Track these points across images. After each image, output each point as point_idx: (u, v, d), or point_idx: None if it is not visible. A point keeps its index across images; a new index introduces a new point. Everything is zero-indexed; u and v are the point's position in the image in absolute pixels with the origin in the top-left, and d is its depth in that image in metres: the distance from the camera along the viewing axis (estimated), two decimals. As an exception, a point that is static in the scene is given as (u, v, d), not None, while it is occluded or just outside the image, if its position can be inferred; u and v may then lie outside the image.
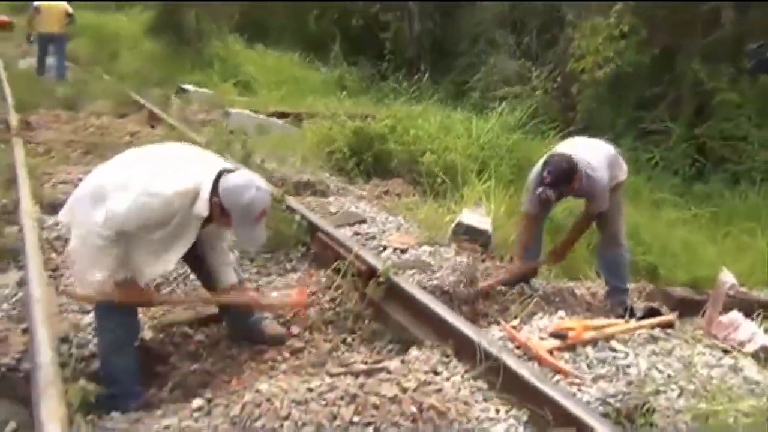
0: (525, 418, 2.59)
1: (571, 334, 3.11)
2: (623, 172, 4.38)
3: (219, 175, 2.72)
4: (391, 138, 7.45)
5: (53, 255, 4.20)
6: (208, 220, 2.80)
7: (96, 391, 2.46)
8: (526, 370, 2.71)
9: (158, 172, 2.69)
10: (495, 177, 6.42)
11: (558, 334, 3.13)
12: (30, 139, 7.35)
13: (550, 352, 3.01)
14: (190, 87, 11.24)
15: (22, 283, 3.76)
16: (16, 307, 3.59)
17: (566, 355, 3.04)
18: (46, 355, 2.65)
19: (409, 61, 15.22)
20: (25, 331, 3.27)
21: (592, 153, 4.14)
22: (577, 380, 2.83)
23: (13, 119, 7.89)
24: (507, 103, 9.60)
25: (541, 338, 3.16)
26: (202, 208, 2.68)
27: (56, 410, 2.31)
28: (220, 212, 2.69)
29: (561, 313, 3.56)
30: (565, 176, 3.92)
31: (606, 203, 4.13)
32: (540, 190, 3.94)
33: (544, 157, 4.11)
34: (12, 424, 2.33)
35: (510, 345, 3.09)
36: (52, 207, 4.97)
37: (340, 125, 7.50)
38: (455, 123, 8.52)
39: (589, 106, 10.75)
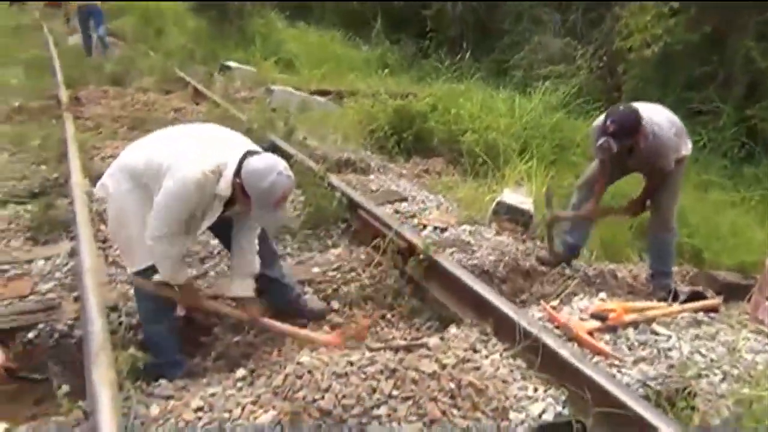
0: (563, 398, 2.60)
1: (611, 315, 3.09)
2: (686, 147, 4.13)
3: (244, 157, 2.72)
4: (432, 117, 7.42)
5: (102, 227, 4.32)
6: (232, 202, 2.82)
7: (144, 358, 2.55)
8: (565, 350, 2.71)
9: (186, 153, 2.71)
10: (537, 157, 6.33)
11: (598, 316, 3.12)
12: (79, 115, 7.53)
13: (590, 333, 3.00)
14: (233, 64, 11.32)
15: (73, 254, 3.90)
16: (68, 276, 3.72)
17: (606, 336, 3.03)
18: (97, 323, 2.75)
19: (451, 39, 15.02)
20: (76, 299, 3.40)
21: (658, 115, 3.93)
22: (617, 362, 2.82)
23: (64, 95, 8.08)
24: (550, 82, 9.42)
25: (582, 319, 3.15)
26: (224, 188, 2.69)
27: (107, 375, 2.40)
28: (241, 194, 2.70)
29: (602, 294, 3.53)
30: (630, 127, 3.68)
31: (672, 163, 3.93)
32: (602, 139, 3.69)
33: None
34: (65, 388, 2.41)
35: (549, 325, 3.08)
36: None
37: (382, 103, 7.48)
38: (497, 102, 8.43)
39: (636, 85, 10.47)
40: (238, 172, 2.68)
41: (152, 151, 2.84)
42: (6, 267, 3.81)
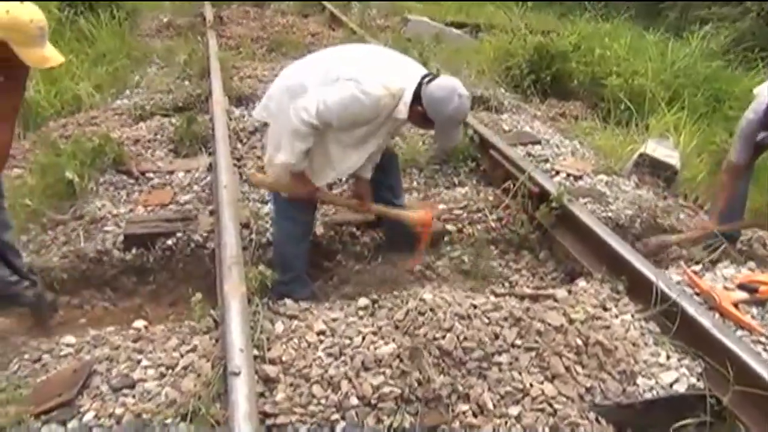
0: (699, 369, 2.42)
1: (762, 288, 2.82)
2: None
3: (420, 82, 2.73)
4: (573, 57, 6.96)
5: (239, 145, 4.46)
6: None
7: (272, 276, 2.62)
8: (706, 319, 2.50)
9: (368, 70, 2.70)
10: (688, 107, 5.80)
11: (747, 287, 2.85)
12: (221, 33, 7.76)
13: (735, 304, 2.76)
14: (371, -9, 11.19)
15: (210, 169, 4.06)
16: (205, 189, 3.89)
17: (753, 310, 2.78)
18: (231, 237, 2.84)
19: (600, -27, 14.01)
20: (212, 213, 3.55)
21: None
22: (763, 339, 2.58)
23: (209, 13, 8.33)
24: (710, 25, 8.55)
25: (726, 288, 2.90)
26: (402, 111, 2.72)
27: (238, 288, 2.48)
28: (421, 118, 2.75)
29: (751, 264, 3.23)
30: None
31: None
32: (764, 135, 3.31)
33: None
34: (198, 295, 2.53)
35: (689, 290, 2.86)
36: (239, 100, 5.29)
37: (520, 39, 7.12)
38: (647, 45, 7.77)
39: (812, 34, 9.30)
40: (416, 98, 2.70)
41: (324, 72, 2.80)
42: (151, 176, 4.05)
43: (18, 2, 2.29)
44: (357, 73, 2.68)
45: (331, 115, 2.68)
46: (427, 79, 2.75)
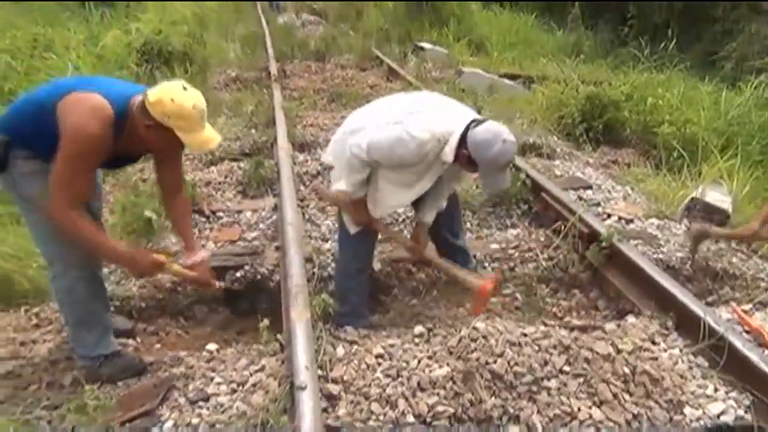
0: (747, 402, 2.47)
1: (814, 328, 2.86)
2: None
3: (468, 126, 2.81)
4: (626, 106, 7.08)
5: (302, 187, 4.75)
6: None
7: (334, 305, 2.81)
8: (754, 354, 2.57)
9: (417, 115, 2.85)
10: (741, 155, 5.82)
11: (798, 326, 2.89)
12: (285, 86, 8.22)
13: (785, 343, 2.80)
14: (426, 45, 11.58)
15: (276, 208, 4.33)
16: (270, 227, 4.16)
17: (804, 350, 2.81)
18: (297, 267, 3.06)
19: (654, 26, 14.12)
20: (277, 248, 3.79)
21: None
22: (813, 376, 2.61)
23: (273, 68, 8.83)
24: (766, 75, 8.55)
25: (776, 327, 2.94)
26: (449, 155, 2.80)
27: (303, 313, 2.69)
28: (467, 161, 2.80)
29: (804, 305, 3.25)
30: None
31: None
32: None
33: None
34: (266, 321, 2.73)
35: (738, 327, 2.92)
36: (302, 146, 5.62)
37: (573, 89, 7.29)
38: (701, 95, 7.83)
39: None
40: (462, 141, 2.78)
41: (383, 111, 3.01)
42: (221, 215, 4.35)
43: (179, 86, 2.39)
44: (405, 117, 2.82)
45: (378, 153, 2.84)
46: (474, 123, 2.81)
